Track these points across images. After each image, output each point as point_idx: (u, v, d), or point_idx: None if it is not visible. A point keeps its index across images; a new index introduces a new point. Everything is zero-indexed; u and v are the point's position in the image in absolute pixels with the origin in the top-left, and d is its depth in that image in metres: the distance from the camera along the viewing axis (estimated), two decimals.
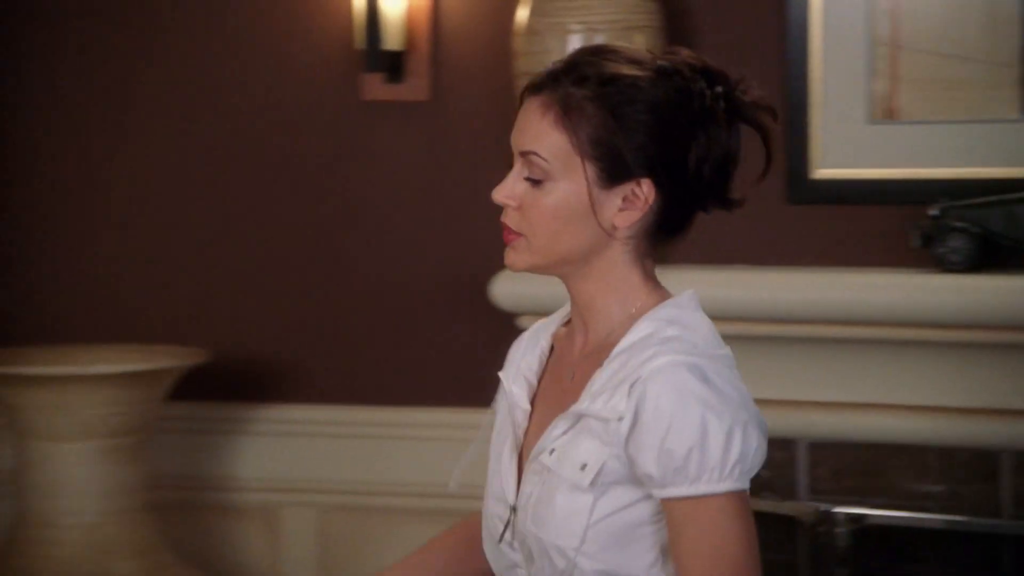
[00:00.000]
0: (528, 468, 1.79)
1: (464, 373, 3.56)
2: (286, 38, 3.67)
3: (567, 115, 1.73)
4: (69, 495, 3.43)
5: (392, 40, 3.52)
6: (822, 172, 3.29)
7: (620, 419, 1.70)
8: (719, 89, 1.75)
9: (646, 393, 1.69)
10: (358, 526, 3.65)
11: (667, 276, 1.82)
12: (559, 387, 1.82)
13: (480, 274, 3.40)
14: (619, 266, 1.78)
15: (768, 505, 3.22)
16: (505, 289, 3.30)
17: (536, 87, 1.77)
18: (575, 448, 1.73)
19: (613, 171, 1.73)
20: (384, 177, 3.63)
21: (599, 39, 3.21)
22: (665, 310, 1.77)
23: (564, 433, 1.76)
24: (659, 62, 1.75)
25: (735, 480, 1.68)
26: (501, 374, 1.90)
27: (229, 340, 3.70)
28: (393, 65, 3.54)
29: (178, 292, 3.78)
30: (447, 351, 3.61)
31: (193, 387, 3.62)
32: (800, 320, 3.20)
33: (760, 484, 3.27)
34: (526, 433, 1.83)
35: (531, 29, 3.28)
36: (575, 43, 3.22)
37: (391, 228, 3.63)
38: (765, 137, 1.77)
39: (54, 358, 3.47)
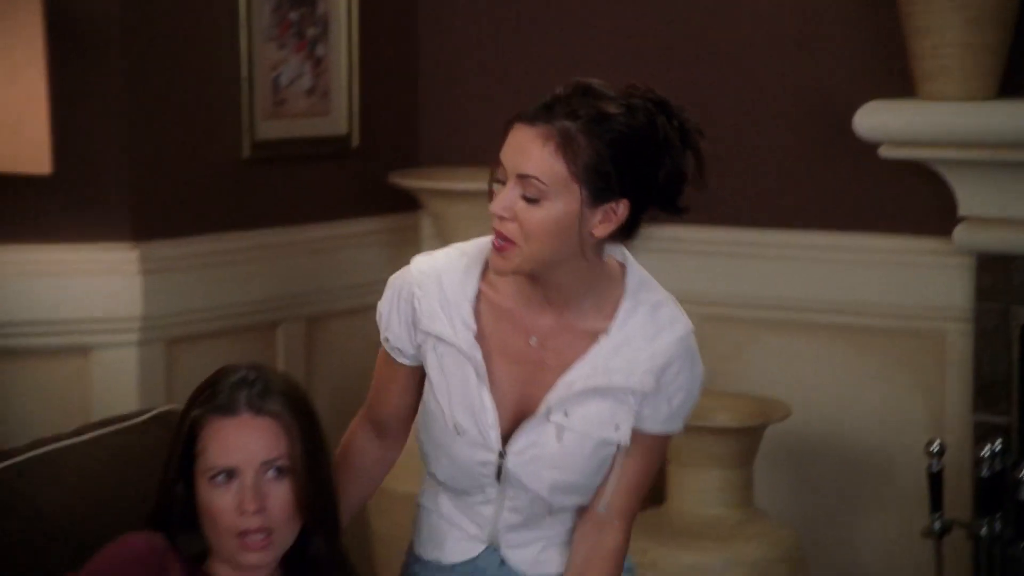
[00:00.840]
0: (530, 423, 2.08)
1: (822, 198, 3.64)
2: None
3: (566, 145, 1.98)
4: None
5: None
6: None
7: (648, 392, 2.08)
8: (674, 121, 2.04)
9: (667, 370, 2.09)
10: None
11: None
12: (518, 345, 2.10)
13: (841, 104, 3.49)
14: (592, 263, 2.07)
15: None
16: (867, 120, 3.38)
17: (529, 117, 2.02)
18: (598, 410, 2.09)
19: (601, 193, 2.00)
20: (756, 14, 3.67)
21: None
22: (632, 282, 2.10)
23: (572, 397, 2.07)
24: (631, 100, 2.02)
25: None
26: (428, 322, 2.10)
27: None
28: None
29: None
30: (807, 176, 3.65)
31: None
32: None
33: None
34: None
35: None
36: None
37: (758, 62, 3.66)
38: (698, 156, 2.07)
39: (473, 176, 3.64)
